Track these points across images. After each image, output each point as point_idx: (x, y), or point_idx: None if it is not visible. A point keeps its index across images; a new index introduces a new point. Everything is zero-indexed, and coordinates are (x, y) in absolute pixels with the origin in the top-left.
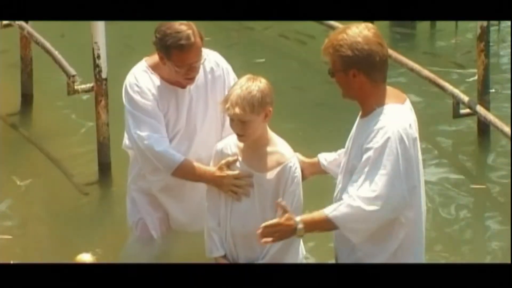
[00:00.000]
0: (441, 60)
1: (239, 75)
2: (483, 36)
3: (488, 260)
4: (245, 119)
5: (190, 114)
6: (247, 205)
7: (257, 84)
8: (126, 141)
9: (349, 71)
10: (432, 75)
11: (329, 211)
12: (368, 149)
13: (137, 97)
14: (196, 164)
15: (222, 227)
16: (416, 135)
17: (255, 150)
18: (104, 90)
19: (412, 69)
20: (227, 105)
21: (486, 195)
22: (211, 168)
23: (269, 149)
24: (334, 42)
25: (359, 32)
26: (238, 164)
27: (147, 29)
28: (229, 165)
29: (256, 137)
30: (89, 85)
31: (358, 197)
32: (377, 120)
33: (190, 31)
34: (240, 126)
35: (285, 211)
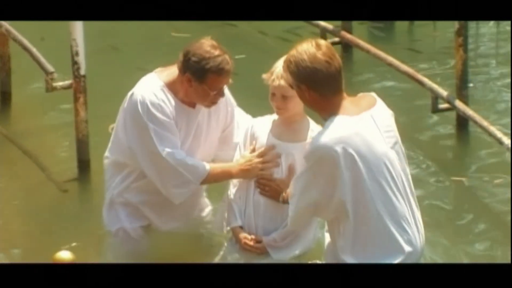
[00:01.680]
0: (420, 56)
1: None
2: (461, 31)
3: (469, 252)
4: (288, 94)
5: (197, 132)
6: (275, 174)
7: None
8: (107, 153)
9: (300, 85)
10: (410, 70)
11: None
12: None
13: (159, 115)
14: (219, 166)
15: (243, 199)
16: (362, 145)
17: (288, 125)
18: (83, 87)
19: (390, 65)
20: (273, 77)
21: (465, 188)
22: (234, 164)
23: (301, 125)
24: (287, 58)
25: (306, 49)
26: (266, 137)
27: (125, 26)
28: (253, 150)
29: (292, 113)
30: (67, 82)
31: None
32: (316, 133)
33: (226, 56)
34: (281, 100)
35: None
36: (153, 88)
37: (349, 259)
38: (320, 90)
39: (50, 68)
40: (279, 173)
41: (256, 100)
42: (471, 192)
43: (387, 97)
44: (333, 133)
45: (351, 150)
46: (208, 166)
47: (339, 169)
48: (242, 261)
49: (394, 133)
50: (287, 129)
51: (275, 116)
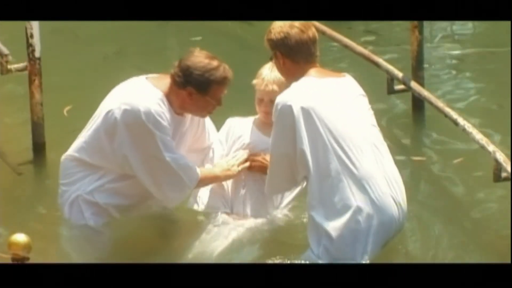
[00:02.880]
0: (377, 38)
1: (175, 53)
2: None
3: (429, 233)
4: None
5: (182, 140)
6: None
7: None
8: (74, 153)
9: (276, 53)
10: (366, 52)
11: None
12: None
13: (164, 123)
14: (206, 170)
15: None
16: (322, 103)
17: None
18: (38, 70)
19: (346, 46)
20: (265, 83)
21: (424, 167)
22: (219, 168)
23: None
24: (268, 30)
25: (285, 22)
26: (250, 134)
27: None
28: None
29: None
30: (22, 65)
31: None
32: None
33: (225, 65)
34: (270, 105)
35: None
36: (155, 98)
37: (315, 215)
38: (292, 56)
39: (4, 50)
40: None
41: None
42: (431, 171)
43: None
44: (292, 91)
45: (307, 106)
46: (199, 170)
47: (296, 122)
48: (229, 240)
49: (365, 100)
50: (271, 126)
51: (251, 119)
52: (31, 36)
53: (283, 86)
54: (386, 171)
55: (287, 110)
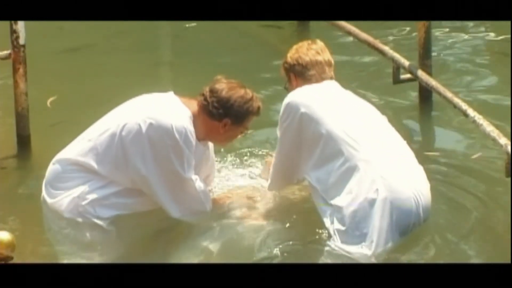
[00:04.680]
0: (381, 24)
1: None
2: None
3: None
4: None
5: (198, 167)
6: None
7: None
8: (78, 157)
9: (290, 77)
10: (371, 39)
11: None
12: None
13: (193, 143)
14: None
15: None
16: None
17: None
18: (22, 58)
19: (349, 33)
20: None
21: (437, 163)
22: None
23: None
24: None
25: (300, 45)
26: None
27: None
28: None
29: None
30: (6, 52)
31: None
32: None
33: (254, 92)
34: None
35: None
36: (187, 117)
37: (327, 199)
38: (305, 74)
39: None
40: None
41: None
42: (450, 167)
43: (346, 68)
44: (299, 91)
45: (313, 103)
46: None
47: (303, 121)
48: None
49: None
50: None
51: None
52: (15, 22)
53: None
54: (402, 159)
55: (294, 108)
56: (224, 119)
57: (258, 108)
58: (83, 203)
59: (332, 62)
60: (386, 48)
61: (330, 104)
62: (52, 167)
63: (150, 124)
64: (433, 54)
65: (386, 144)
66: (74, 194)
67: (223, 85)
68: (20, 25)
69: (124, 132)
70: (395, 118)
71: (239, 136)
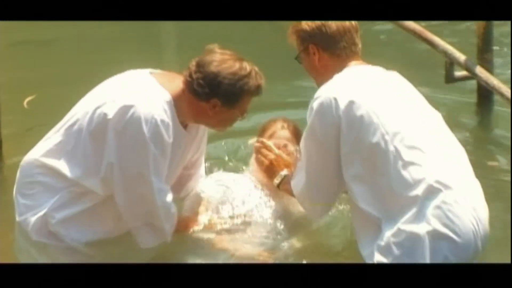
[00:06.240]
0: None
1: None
2: None
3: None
4: (290, 148)
5: (182, 157)
6: None
7: None
8: (41, 158)
9: (307, 48)
10: (419, 27)
11: None
12: None
13: (165, 137)
14: (183, 221)
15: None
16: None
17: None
18: None
19: (393, 21)
20: (280, 125)
21: (499, 173)
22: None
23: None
24: (294, 23)
25: None
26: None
27: None
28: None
29: None
30: None
31: None
32: None
33: (255, 67)
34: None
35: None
36: (162, 103)
37: (370, 212)
38: (333, 47)
39: None
40: None
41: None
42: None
43: (387, 63)
44: (335, 82)
45: (355, 98)
46: (176, 219)
47: (342, 118)
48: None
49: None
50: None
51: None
52: None
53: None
54: (460, 175)
55: (331, 104)
56: (211, 99)
57: (257, 86)
58: (53, 221)
59: (358, 26)
60: (437, 39)
61: (383, 103)
62: (19, 170)
63: (118, 110)
64: (495, 47)
65: (447, 154)
66: (40, 212)
67: (213, 57)
68: None
69: (91, 121)
70: (448, 122)
71: (238, 119)
